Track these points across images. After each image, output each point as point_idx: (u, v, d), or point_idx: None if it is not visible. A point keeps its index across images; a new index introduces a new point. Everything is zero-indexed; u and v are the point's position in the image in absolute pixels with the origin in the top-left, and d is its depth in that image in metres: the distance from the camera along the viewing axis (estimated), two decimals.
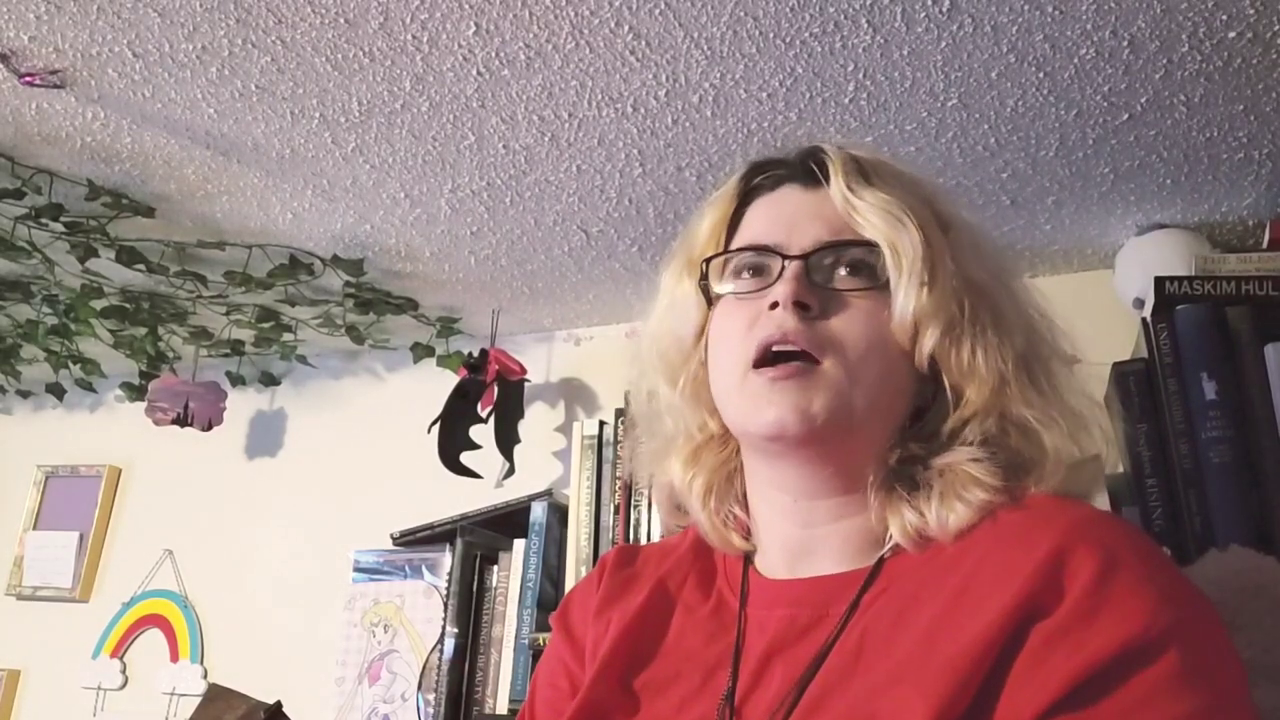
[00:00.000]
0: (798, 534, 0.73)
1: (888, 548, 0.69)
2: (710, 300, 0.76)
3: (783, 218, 0.75)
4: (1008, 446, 0.68)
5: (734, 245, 0.77)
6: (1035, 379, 0.70)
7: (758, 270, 0.74)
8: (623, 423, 1.67)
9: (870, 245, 0.71)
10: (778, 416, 0.67)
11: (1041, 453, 0.68)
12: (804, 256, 0.71)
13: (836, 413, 0.67)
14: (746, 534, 0.79)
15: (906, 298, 0.69)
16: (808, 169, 0.76)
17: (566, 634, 0.83)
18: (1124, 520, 0.65)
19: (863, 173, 0.74)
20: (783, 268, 0.71)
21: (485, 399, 1.90)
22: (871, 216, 0.71)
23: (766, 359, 0.69)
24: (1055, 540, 0.59)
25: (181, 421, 2.06)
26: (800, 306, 0.69)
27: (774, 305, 0.70)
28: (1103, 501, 1.11)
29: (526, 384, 1.94)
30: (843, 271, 0.71)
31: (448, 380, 1.93)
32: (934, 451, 0.69)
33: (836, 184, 0.73)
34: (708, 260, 0.77)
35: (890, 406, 0.70)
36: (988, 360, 0.69)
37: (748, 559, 0.78)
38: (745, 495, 0.79)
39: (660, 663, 0.74)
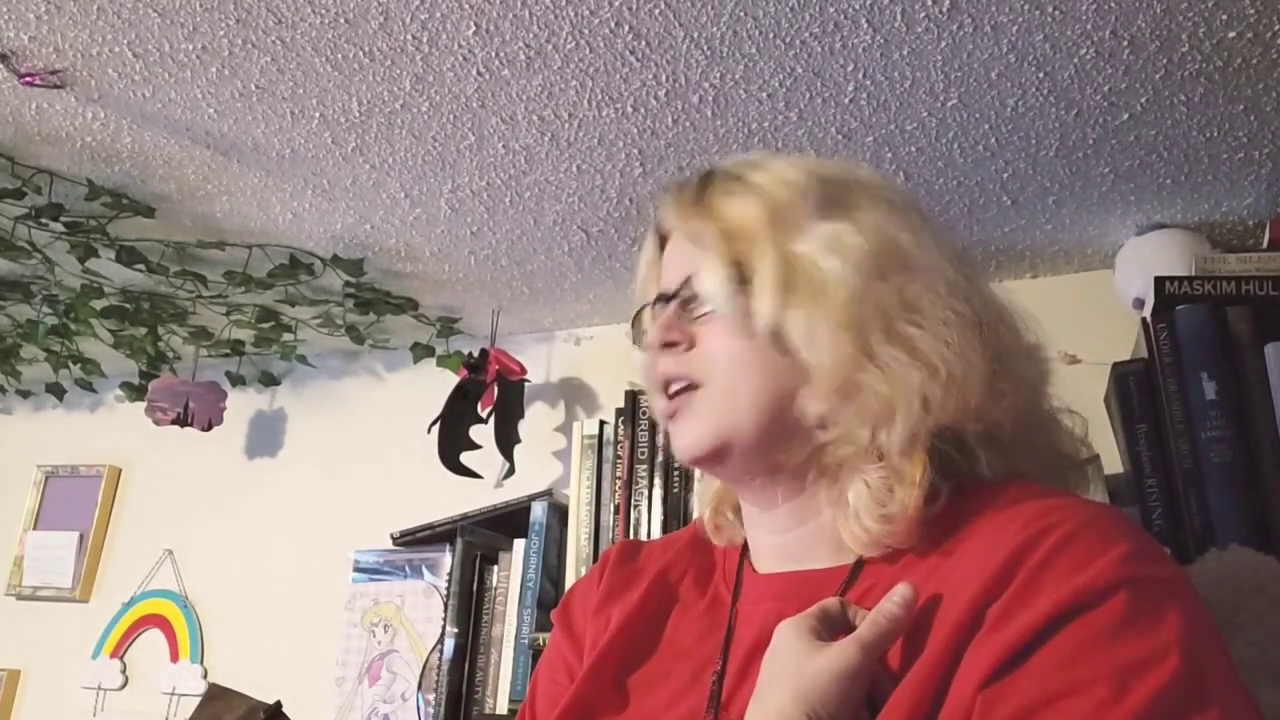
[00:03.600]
0: (773, 539, 0.75)
1: (859, 552, 0.70)
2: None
3: (666, 265, 0.79)
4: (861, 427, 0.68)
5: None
6: (879, 333, 0.68)
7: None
8: (622, 422, 1.67)
9: (693, 278, 0.74)
10: (682, 447, 0.73)
11: (889, 411, 0.66)
12: (657, 301, 0.77)
13: (724, 428, 0.71)
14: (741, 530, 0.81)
15: (724, 300, 0.71)
16: (671, 211, 0.81)
17: (567, 629, 0.84)
18: (1105, 505, 0.64)
19: (699, 193, 0.77)
20: (652, 315, 0.77)
21: (485, 399, 1.90)
22: (692, 240, 0.75)
23: (668, 398, 0.74)
24: (1017, 532, 0.59)
25: (181, 421, 2.06)
26: (669, 345, 0.74)
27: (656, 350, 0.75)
28: (1101, 500, 1.11)
29: (526, 384, 1.94)
30: (698, 299, 0.74)
31: (448, 380, 1.93)
32: (842, 453, 0.69)
33: (670, 223, 0.79)
34: (634, 320, 0.82)
35: (780, 405, 0.70)
36: (813, 329, 0.69)
37: (744, 550, 0.79)
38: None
39: (654, 661, 0.76)
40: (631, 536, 1.60)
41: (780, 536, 0.74)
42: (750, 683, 0.67)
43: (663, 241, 0.82)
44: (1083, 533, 0.58)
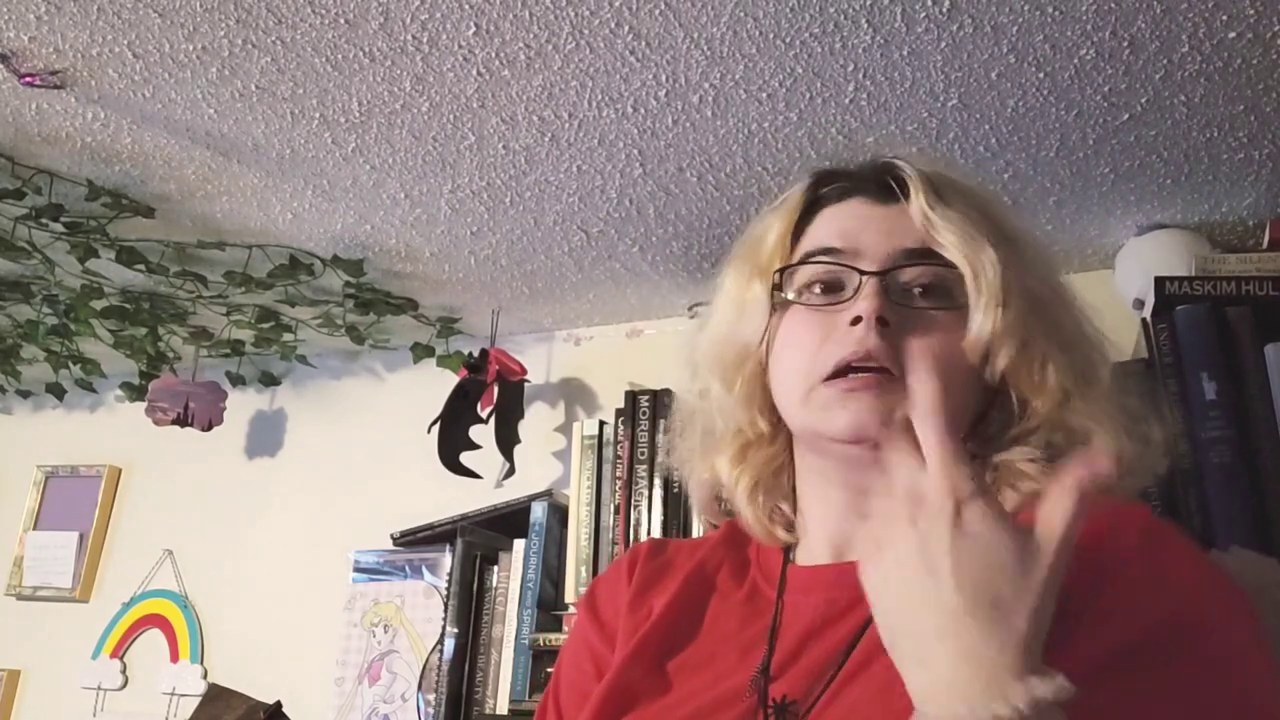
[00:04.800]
0: (848, 528, 0.74)
1: None
2: (775, 307, 0.77)
3: (857, 229, 0.75)
4: (1065, 452, 0.70)
5: (800, 255, 0.77)
6: (1095, 388, 0.72)
7: (831, 281, 0.75)
8: (622, 423, 1.67)
9: (950, 266, 0.72)
10: (855, 418, 0.69)
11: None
12: (883, 272, 0.72)
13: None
14: (789, 528, 0.80)
15: (985, 320, 0.70)
16: (881, 183, 0.77)
17: (594, 617, 0.84)
18: (1172, 525, 0.67)
19: (937, 190, 0.75)
20: (861, 282, 0.72)
21: (485, 399, 1.90)
22: (950, 236, 0.72)
23: (841, 374, 0.70)
24: (1098, 520, 0.60)
25: (181, 421, 2.06)
26: (881, 323, 0.70)
27: (855, 320, 0.70)
28: None
29: (526, 384, 1.94)
30: (919, 289, 0.72)
31: (448, 380, 1.93)
32: (993, 452, 0.71)
33: (917, 200, 0.74)
34: (782, 270, 0.77)
35: (958, 420, 0.71)
36: (1056, 375, 0.71)
37: (786, 553, 0.79)
38: (793, 490, 0.80)
39: (696, 646, 0.76)
40: (631, 537, 1.60)
41: (858, 524, 0.73)
42: (799, 664, 0.68)
43: (815, 201, 0.79)
44: (1165, 532, 0.61)
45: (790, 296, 0.76)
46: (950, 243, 0.72)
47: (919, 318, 0.71)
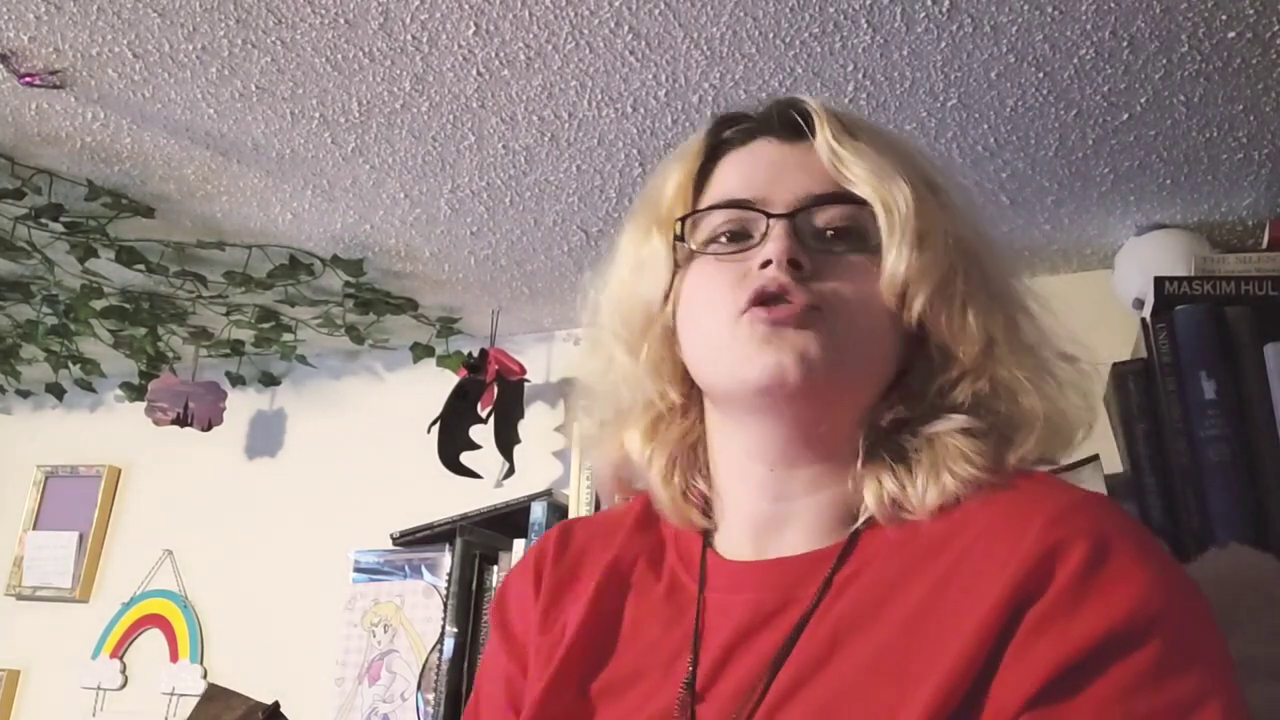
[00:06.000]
0: (768, 508, 0.70)
1: (861, 521, 0.67)
2: (677, 262, 0.72)
3: (762, 172, 0.71)
4: (995, 411, 0.67)
5: (705, 202, 0.72)
6: (1023, 340, 0.69)
7: (737, 229, 0.70)
8: None
9: (860, 202, 0.67)
10: (776, 362, 0.63)
11: (1024, 417, 0.66)
12: (791, 214, 0.67)
13: (834, 367, 0.65)
14: (706, 510, 0.74)
15: (898, 259, 0.66)
16: (787, 120, 0.72)
17: (505, 634, 0.77)
18: (1114, 504, 0.63)
19: (846, 126, 0.70)
20: (768, 226, 0.67)
21: (485, 399, 1.90)
22: (860, 171, 0.67)
23: (760, 303, 0.65)
24: (1045, 527, 0.58)
25: (181, 421, 2.06)
26: (794, 265, 0.65)
27: (765, 264, 0.66)
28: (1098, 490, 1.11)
29: (526, 384, 1.94)
30: (832, 233, 0.68)
31: (448, 380, 1.93)
32: (921, 417, 0.67)
33: (823, 136, 0.69)
34: (683, 218, 0.72)
35: (876, 369, 0.68)
36: (978, 320, 0.67)
37: (706, 538, 0.73)
38: (709, 468, 0.74)
39: (619, 659, 0.70)
40: None
41: (780, 504, 0.69)
42: (727, 679, 0.64)
43: (717, 146, 0.74)
44: (1117, 542, 0.58)
45: (694, 247, 0.71)
46: (860, 178, 0.67)
47: (833, 262, 0.67)
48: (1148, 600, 0.55)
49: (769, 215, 0.68)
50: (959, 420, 0.66)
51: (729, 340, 0.66)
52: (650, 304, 0.73)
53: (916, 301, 0.67)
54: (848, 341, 0.66)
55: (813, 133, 0.70)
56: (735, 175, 0.72)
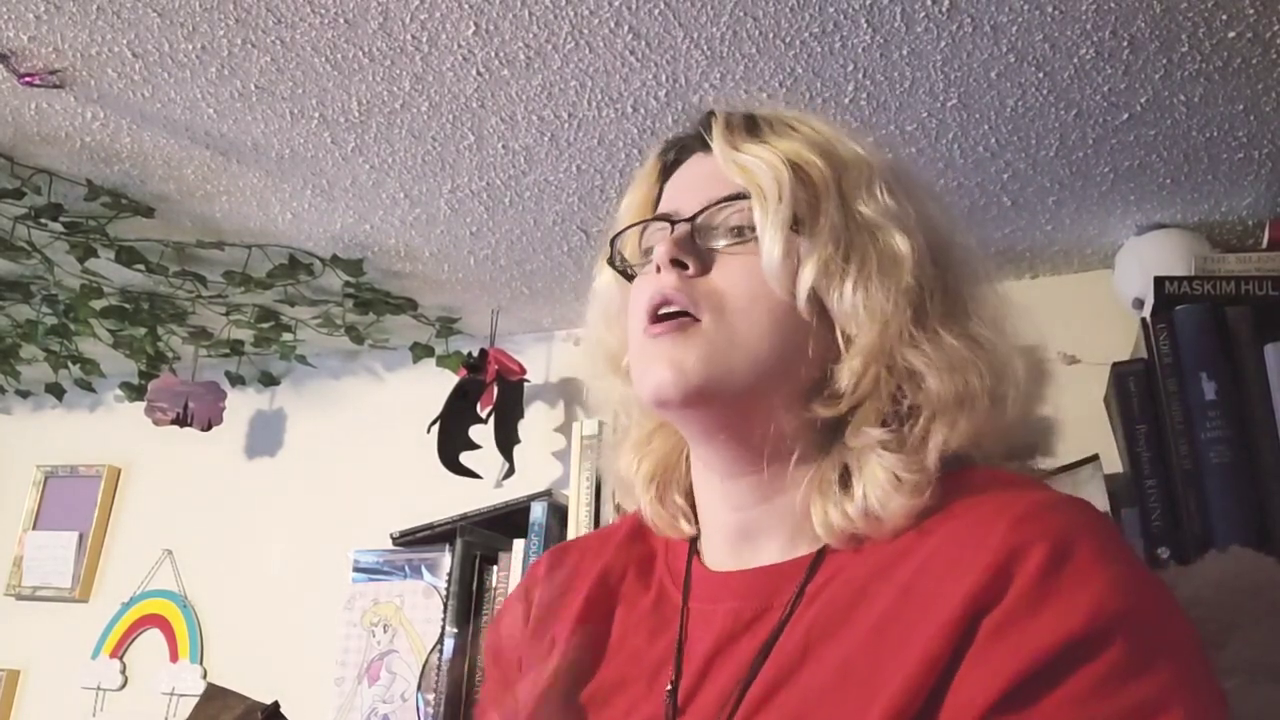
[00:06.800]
0: (733, 517, 0.71)
1: (824, 541, 0.67)
2: (630, 278, 0.75)
3: (681, 186, 0.74)
4: (905, 400, 0.65)
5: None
6: (932, 322, 0.67)
7: (655, 246, 0.72)
8: None
9: (741, 196, 0.69)
10: (656, 377, 0.66)
11: (935, 401, 0.65)
12: (690, 219, 0.70)
13: (713, 370, 0.65)
14: (693, 518, 0.76)
15: (774, 241, 0.66)
16: (700, 135, 0.75)
17: (497, 660, 0.80)
18: (1077, 502, 0.62)
19: (749, 128, 0.72)
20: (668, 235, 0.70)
21: (485, 399, 1.90)
22: (745, 167, 0.69)
23: (654, 321, 0.68)
24: (1006, 532, 0.57)
25: (181, 421, 2.06)
26: (677, 265, 0.68)
27: (658, 269, 0.68)
28: (1101, 501, 1.11)
29: (526, 384, 1.94)
30: (724, 230, 0.70)
31: (448, 380, 1.93)
32: (844, 421, 0.66)
33: (717, 144, 0.71)
34: (613, 239, 0.76)
35: (780, 363, 0.67)
36: (869, 299, 0.66)
37: (692, 546, 0.75)
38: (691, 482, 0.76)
39: (606, 668, 0.72)
40: None
41: (740, 514, 0.70)
42: (708, 688, 0.65)
43: (669, 167, 0.77)
44: (1075, 548, 0.56)
45: (621, 266, 0.75)
46: (745, 174, 0.69)
47: (724, 260, 0.68)
48: (1107, 602, 0.54)
49: (673, 223, 0.70)
50: (874, 435, 0.65)
51: (636, 358, 0.70)
52: (613, 324, 0.78)
53: (801, 283, 0.66)
54: (733, 340, 0.66)
55: (728, 144, 0.72)
56: (668, 193, 0.76)
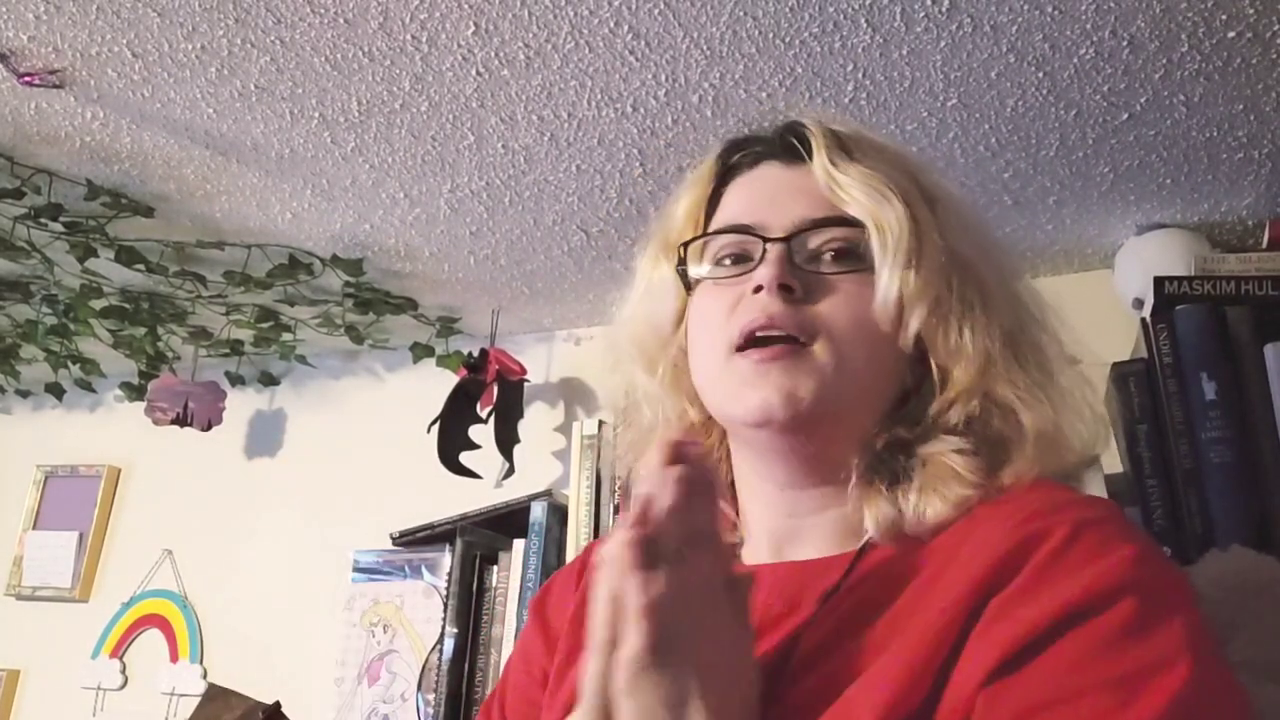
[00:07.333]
0: (783, 523, 0.72)
1: (871, 535, 0.68)
2: (689, 285, 0.74)
3: (762, 197, 0.73)
4: (990, 427, 0.67)
5: (713, 227, 0.74)
6: (1022, 357, 0.69)
7: (739, 253, 0.72)
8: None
9: (855, 224, 0.69)
10: (763, 401, 0.65)
11: (1021, 433, 0.66)
12: (786, 238, 0.69)
13: (824, 398, 0.66)
14: (732, 524, 0.76)
15: (891, 279, 0.67)
16: (787, 144, 0.74)
17: (542, 625, 0.81)
18: (1110, 504, 0.63)
19: (844, 147, 0.72)
20: (764, 250, 0.69)
21: (485, 399, 1.89)
22: (855, 193, 0.69)
23: (751, 343, 0.67)
24: (1025, 521, 0.58)
25: (181, 421, 2.06)
26: (784, 289, 0.67)
27: (757, 289, 0.68)
28: (1099, 494, 1.10)
29: (526, 384, 1.94)
30: (827, 253, 0.69)
31: (448, 380, 1.93)
32: (919, 437, 0.67)
33: (819, 159, 0.71)
34: (685, 244, 0.74)
35: (876, 392, 0.69)
36: (975, 339, 0.67)
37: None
38: (732, 484, 0.76)
39: None
40: None
41: (792, 520, 0.71)
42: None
43: (726, 171, 0.76)
44: (1089, 530, 0.57)
45: (695, 274, 0.73)
46: (854, 200, 0.68)
47: (828, 284, 0.68)
48: (1114, 573, 0.55)
49: (765, 239, 0.69)
50: (953, 441, 0.66)
51: (721, 375, 0.69)
52: (661, 329, 0.76)
53: (912, 322, 0.68)
54: (841, 369, 0.67)
55: (810, 156, 0.72)
56: (738, 200, 0.74)
